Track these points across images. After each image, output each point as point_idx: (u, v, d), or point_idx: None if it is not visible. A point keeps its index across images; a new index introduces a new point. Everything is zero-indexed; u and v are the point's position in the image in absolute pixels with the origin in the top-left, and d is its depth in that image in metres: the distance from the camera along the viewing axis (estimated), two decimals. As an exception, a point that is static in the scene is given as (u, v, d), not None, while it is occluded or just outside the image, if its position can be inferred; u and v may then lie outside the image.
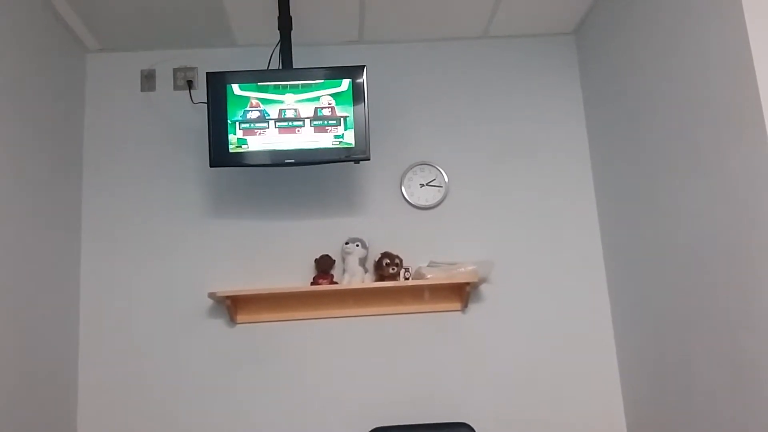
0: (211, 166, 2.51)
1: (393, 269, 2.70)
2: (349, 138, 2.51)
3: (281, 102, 2.51)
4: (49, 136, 2.58)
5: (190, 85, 2.93)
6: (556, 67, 3.02)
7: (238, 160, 2.50)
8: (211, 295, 2.64)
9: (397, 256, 2.73)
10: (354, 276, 2.69)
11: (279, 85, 2.51)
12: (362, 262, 2.72)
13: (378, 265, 2.73)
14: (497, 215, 2.89)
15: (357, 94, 2.53)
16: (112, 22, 2.73)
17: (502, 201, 2.90)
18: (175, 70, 2.95)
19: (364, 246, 2.73)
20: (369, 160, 2.54)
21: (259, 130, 2.49)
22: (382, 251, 2.75)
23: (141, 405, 2.69)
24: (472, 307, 2.81)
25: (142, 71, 2.96)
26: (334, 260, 2.77)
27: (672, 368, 2.32)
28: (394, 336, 2.78)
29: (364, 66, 2.55)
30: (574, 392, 2.75)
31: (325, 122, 2.50)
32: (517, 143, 2.95)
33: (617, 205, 2.71)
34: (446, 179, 2.90)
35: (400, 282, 2.70)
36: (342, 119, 2.51)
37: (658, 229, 2.36)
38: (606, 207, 2.82)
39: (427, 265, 2.73)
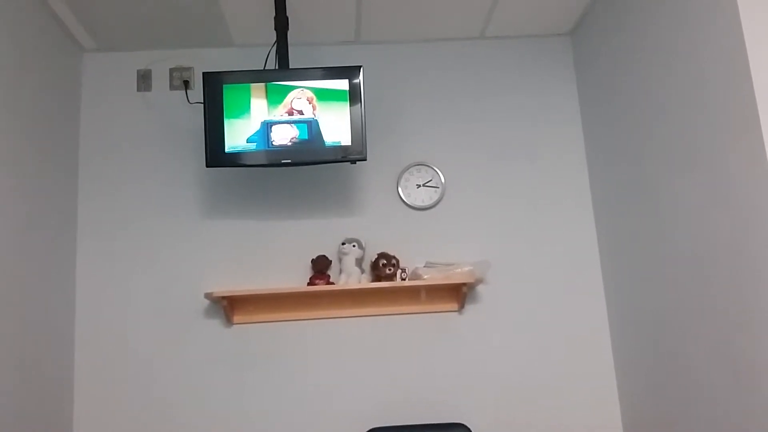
0: (207, 166, 2.51)
1: (390, 270, 2.69)
2: (345, 138, 2.51)
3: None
4: (45, 135, 2.57)
5: (186, 85, 2.92)
6: (552, 68, 3.02)
7: (235, 161, 2.50)
8: (208, 296, 2.63)
9: (394, 257, 2.73)
10: (351, 276, 2.69)
11: (275, 85, 2.51)
12: (359, 262, 2.72)
13: (375, 265, 2.73)
14: (494, 216, 2.89)
15: (353, 95, 2.53)
16: (108, 22, 2.72)
17: (498, 201, 2.90)
18: (172, 70, 2.95)
19: (360, 246, 2.72)
20: (365, 160, 2.54)
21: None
22: (379, 252, 2.75)
23: (136, 405, 2.69)
24: (469, 308, 2.81)
25: (138, 71, 2.95)
26: (331, 261, 2.76)
27: (669, 368, 2.32)
28: (390, 336, 2.78)
29: (360, 66, 2.55)
30: (571, 393, 2.75)
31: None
32: (514, 144, 2.95)
33: (614, 206, 2.71)
34: (443, 180, 2.90)
35: (397, 282, 2.70)
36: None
37: (655, 229, 2.36)
38: (602, 207, 2.82)
39: (424, 266, 2.73)
